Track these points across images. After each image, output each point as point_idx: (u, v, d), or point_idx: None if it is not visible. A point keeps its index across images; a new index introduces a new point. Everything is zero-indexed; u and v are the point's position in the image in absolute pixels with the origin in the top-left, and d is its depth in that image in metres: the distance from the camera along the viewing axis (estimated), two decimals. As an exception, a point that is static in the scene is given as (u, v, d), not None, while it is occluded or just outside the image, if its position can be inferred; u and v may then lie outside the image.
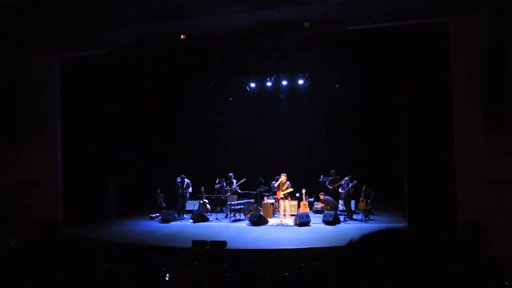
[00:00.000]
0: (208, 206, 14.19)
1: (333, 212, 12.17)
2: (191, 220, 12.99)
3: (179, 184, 13.67)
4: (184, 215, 13.68)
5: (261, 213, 13.09)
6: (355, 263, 1.65)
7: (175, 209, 13.61)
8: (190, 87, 15.47)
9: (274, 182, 13.64)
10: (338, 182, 13.26)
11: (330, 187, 13.26)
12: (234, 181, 14.28)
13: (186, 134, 16.58)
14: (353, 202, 13.20)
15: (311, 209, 14.05)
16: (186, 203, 13.91)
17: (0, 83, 12.12)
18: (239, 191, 14.35)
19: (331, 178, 13.85)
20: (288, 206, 12.61)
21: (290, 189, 12.39)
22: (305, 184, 13.79)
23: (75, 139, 12.98)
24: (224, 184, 14.45)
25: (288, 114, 16.29)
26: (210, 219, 13.22)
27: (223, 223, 12.67)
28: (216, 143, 16.63)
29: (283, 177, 12.53)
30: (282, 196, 12.43)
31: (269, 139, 16.42)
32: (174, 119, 16.34)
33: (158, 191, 14.00)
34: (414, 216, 11.01)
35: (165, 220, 12.95)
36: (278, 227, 11.90)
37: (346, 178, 12.94)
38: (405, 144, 11.55)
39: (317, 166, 15.04)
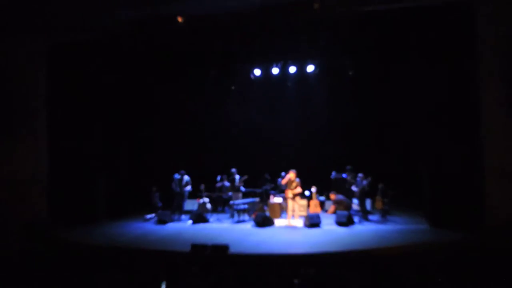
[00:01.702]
0: (208, 205, 14.14)
1: (347, 212, 12.14)
2: (190, 221, 12.99)
3: (178, 182, 13.61)
4: (182, 216, 13.68)
5: (267, 213, 13.15)
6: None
7: (172, 209, 13.61)
8: (188, 75, 15.36)
9: (281, 179, 13.80)
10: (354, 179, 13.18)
11: (356, 190, 12.91)
12: (237, 177, 14.33)
13: (185, 127, 16.63)
14: (368, 201, 13.21)
15: (322, 208, 14.21)
16: (185, 203, 13.85)
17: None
18: (243, 189, 14.40)
19: (345, 175, 13.80)
20: (297, 206, 12.55)
21: (299, 190, 12.38)
22: (316, 182, 13.87)
23: (63, 133, 12.99)
24: (226, 181, 14.53)
25: (297, 104, 16.33)
26: (210, 220, 13.20)
27: (225, 225, 12.63)
28: (217, 136, 16.71)
29: (291, 174, 12.41)
30: (291, 195, 12.36)
31: (276, 131, 16.52)
32: (171, 110, 16.36)
33: (154, 189, 14.00)
34: (436, 216, 10.99)
35: (161, 221, 12.95)
36: (286, 229, 11.87)
37: (359, 174, 12.82)
38: (425, 137, 11.48)
39: (329, 162, 15.07)
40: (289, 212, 12.43)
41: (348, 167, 13.80)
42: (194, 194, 14.20)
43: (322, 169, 14.95)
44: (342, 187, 13.71)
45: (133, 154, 15.45)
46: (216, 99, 16.51)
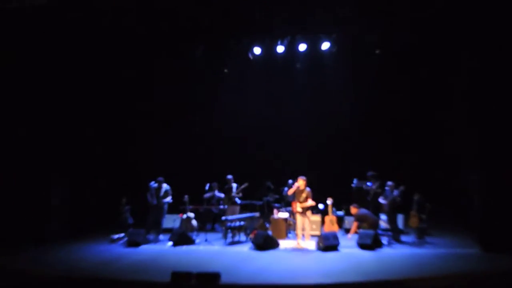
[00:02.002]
0: (194, 222, 14.13)
1: (372, 231, 12.15)
2: (170, 243, 13.00)
3: (154, 191, 13.63)
4: (161, 236, 13.72)
5: (270, 232, 13.21)
6: None
7: (147, 226, 13.63)
8: (169, 55, 15.37)
9: (287, 188, 13.86)
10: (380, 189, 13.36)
11: (385, 202, 13.04)
12: (234, 186, 14.40)
13: (164, 121, 16.83)
14: (400, 217, 13.34)
15: (340, 227, 14.10)
16: (163, 218, 13.83)
17: None
18: (238, 201, 14.46)
19: (370, 184, 13.83)
20: (308, 222, 12.56)
21: (311, 203, 12.37)
22: (332, 192, 13.96)
23: (3, 125, 13.08)
24: (217, 191, 14.65)
25: (308, 91, 16.46)
26: (197, 240, 13.21)
27: (215, 247, 12.67)
28: (205, 133, 16.94)
29: (301, 182, 12.44)
30: (300, 209, 12.38)
31: (281, 127, 16.74)
32: (147, 99, 16.56)
33: (123, 201, 14.02)
34: (490, 239, 11.04)
35: (133, 243, 12.95)
36: (294, 252, 11.93)
37: (388, 182, 12.89)
38: (474, 140, 11.72)
39: (349, 166, 15.19)
40: (298, 231, 12.49)
41: (370, 173, 13.90)
42: (176, 208, 14.20)
43: (340, 175, 15.09)
44: (366, 199, 13.74)
45: (96, 155, 15.58)
46: (204, 86, 16.65)
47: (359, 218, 13.14)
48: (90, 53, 14.34)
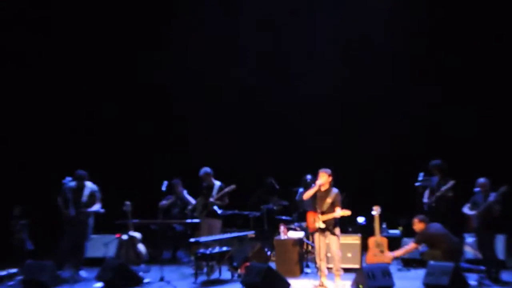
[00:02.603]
0: (141, 247, 13.98)
1: (451, 263, 11.55)
2: (100, 284, 12.46)
3: (71, 194, 13.26)
4: (82, 271, 13.46)
5: (273, 264, 12.88)
6: None
7: (59, 255, 13.24)
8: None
9: (303, 189, 13.81)
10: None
11: (473, 213, 12.77)
12: (216, 185, 14.20)
13: (96, 80, 17.66)
14: (501, 240, 13.02)
15: (395, 257, 13.86)
16: (87, 241, 13.71)
17: None
18: (219, 211, 14.14)
19: (451, 183, 13.70)
20: (335, 246, 12.12)
21: (341, 213, 11.91)
22: (379, 196, 14.26)
23: None
24: (184, 193, 14.75)
25: (335, 37, 17.30)
26: (146, 280, 12.78)
27: None
28: (165, 103, 17.94)
29: (323, 177, 12.02)
30: (322, 225, 11.90)
31: (289, 94, 17.33)
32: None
33: (17, 210, 13.84)
34: None
35: (35, 285, 12.36)
36: None
37: (480, 180, 12.43)
38: None
39: (405, 154, 15.69)
40: (322, 263, 12.13)
41: (435, 162, 13.95)
42: (111, 222, 14.11)
43: (391, 169, 15.81)
44: (440, 208, 13.58)
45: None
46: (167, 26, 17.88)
47: (427, 239, 12.94)
48: None
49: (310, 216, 12.28)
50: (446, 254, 12.26)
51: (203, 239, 13.11)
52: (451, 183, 13.24)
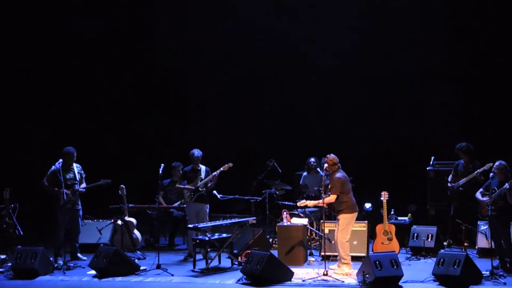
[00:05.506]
0: (136, 234, 14.06)
1: (462, 251, 11.91)
2: (92, 272, 12.34)
3: (60, 176, 12.96)
4: (80, 255, 13.42)
5: (275, 252, 12.67)
6: None
7: (56, 243, 13.27)
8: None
9: (305, 172, 14.53)
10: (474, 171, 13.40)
11: (486, 200, 12.58)
12: (203, 168, 13.97)
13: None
14: None
15: (402, 246, 13.90)
16: (79, 226, 13.57)
17: None
18: (219, 196, 14.24)
19: (461, 162, 13.83)
20: (338, 232, 12.14)
21: (328, 198, 12.09)
22: (387, 181, 14.38)
23: None
24: (183, 175, 14.20)
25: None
26: (142, 268, 12.53)
27: (175, 279, 12.08)
28: (164, 84, 18.28)
29: (331, 162, 11.98)
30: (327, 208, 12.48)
31: (295, 67, 17.52)
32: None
33: (7, 194, 13.51)
34: None
35: (25, 272, 12.15)
36: None
37: (499, 163, 12.02)
38: None
39: (414, 138, 16.10)
40: (323, 249, 12.37)
41: (462, 144, 13.68)
42: (105, 206, 14.15)
43: (402, 154, 16.04)
44: (469, 191, 13.38)
45: None
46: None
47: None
48: None
49: (318, 202, 12.29)
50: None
51: (202, 225, 12.94)
52: (488, 165, 12.86)
